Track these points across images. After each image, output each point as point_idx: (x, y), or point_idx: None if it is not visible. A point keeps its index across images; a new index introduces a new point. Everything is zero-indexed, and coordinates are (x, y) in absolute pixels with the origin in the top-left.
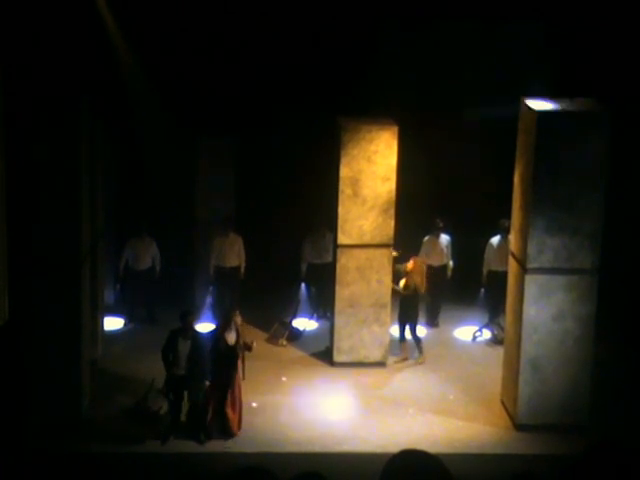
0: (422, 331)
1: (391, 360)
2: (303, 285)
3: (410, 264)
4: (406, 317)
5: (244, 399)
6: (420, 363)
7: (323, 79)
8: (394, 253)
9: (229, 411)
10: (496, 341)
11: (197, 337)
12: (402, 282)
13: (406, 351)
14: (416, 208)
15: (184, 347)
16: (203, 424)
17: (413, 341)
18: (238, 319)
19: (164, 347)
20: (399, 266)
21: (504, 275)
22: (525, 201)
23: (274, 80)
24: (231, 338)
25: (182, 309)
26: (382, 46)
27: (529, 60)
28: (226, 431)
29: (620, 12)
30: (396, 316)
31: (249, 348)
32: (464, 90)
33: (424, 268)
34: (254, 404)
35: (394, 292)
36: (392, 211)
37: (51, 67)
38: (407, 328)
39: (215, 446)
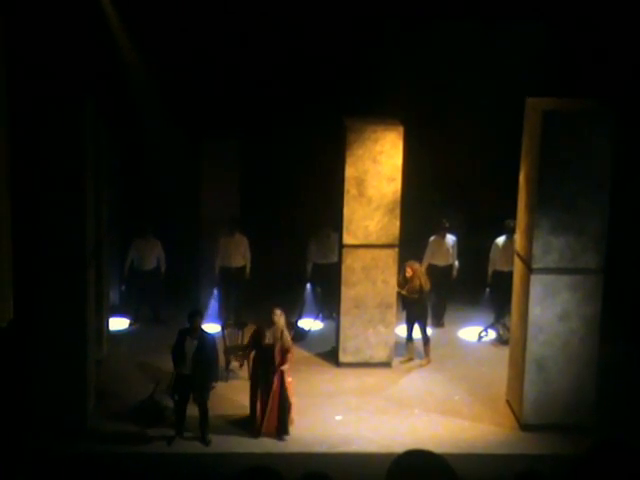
0: (427, 331)
1: (396, 361)
2: (308, 285)
3: (408, 272)
4: (415, 316)
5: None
6: (422, 366)
7: (328, 79)
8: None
9: (269, 409)
10: (501, 341)
11: (204, 337)
12: (405, 290)
13: (412, 351)
14: (422, 208)
15: (191, 347)
16: (207, 424)
17: (422, 341)
18: (281, 319)
19: (173, 347)
20: (400, 279)
21: (509, 275)
22: (530, 201)
23: (279, 81)
24: (268, 338)
25: (190, 309)
26: (387, 46)
27: (533, 59)
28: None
29: (622, 11)
30: (402, 316)
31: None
32: (468, 90)
33: (421, 269)
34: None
35: (400, 295)
36: (397, 211)
37: (56, 68)
38: (417, 327)
39: (220, 446)
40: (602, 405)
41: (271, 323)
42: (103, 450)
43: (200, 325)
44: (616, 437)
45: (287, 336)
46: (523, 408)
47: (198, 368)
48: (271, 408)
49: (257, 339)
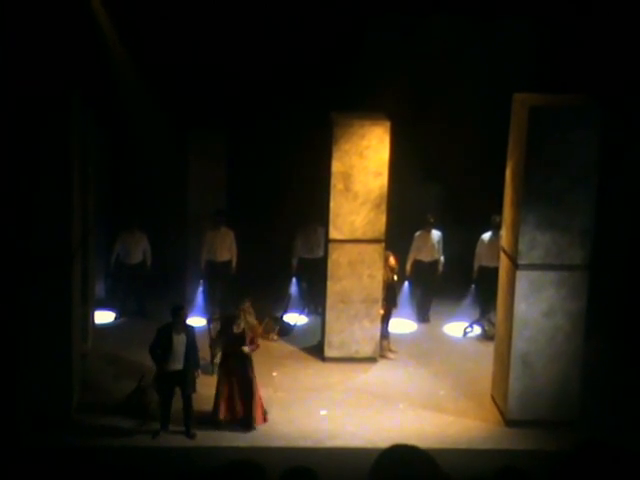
0: (412, 326)
1: (392, 355)
2: (294, 280)
3: (392, 260)
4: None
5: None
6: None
7: (315, 74)
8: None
9: (237, 402)
10: (487, 337)
11: (190, 331)
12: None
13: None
14: (408, 203)
15: (178, 342)
16: (192, 418)
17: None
18: (248, 308)
19: (152, 344)
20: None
21: (495, 271)
22: (516, 197)
23: (266, 74)
24: (238, 327)
25: (173, 304)
26: (375, 40)
27: (521, 55)
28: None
29: (613, 7)
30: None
31: (252, 342)
32: (456, 85)
33: (392, 261)
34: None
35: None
36: (384, 206)
37: (42, 61)
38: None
39: (205, 440)
40: (587, 401)
41: (242, 313)
42: (88, 444)
43: (185, 319)
44: (601, 434)
45: (257, 326)
46: (508, 403)
47: (190, 363)
48: (255, 400)
49: (227, 328)
